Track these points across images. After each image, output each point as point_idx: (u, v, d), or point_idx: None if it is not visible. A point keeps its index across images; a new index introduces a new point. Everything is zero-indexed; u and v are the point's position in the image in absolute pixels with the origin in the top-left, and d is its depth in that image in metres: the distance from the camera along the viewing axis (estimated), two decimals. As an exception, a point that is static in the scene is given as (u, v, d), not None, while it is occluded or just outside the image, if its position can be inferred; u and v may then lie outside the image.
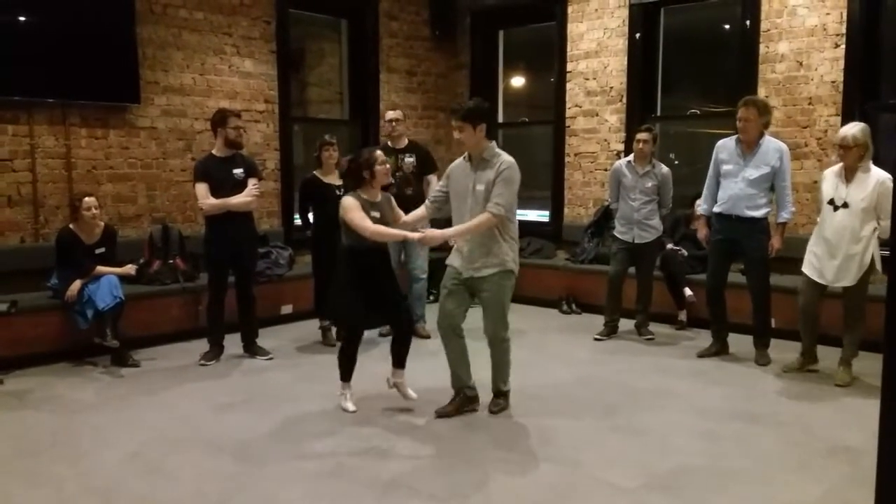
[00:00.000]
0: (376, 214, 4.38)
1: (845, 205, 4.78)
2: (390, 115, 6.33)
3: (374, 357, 5.44)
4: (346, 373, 4.54)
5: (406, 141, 6.36)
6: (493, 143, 4.30)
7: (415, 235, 4.32)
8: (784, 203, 5.35)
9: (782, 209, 5.37)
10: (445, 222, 4.56)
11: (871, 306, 4.81)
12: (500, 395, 4.51)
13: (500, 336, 4.36)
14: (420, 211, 4.60)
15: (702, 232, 5.81)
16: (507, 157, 4.24)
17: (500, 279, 4.27)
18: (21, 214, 6.00)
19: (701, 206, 5.78)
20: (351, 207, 4.30)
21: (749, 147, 5.36)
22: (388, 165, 4.46)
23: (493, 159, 4.21)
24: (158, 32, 6.63)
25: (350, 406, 4.50)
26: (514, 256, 4.32)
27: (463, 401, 4.47)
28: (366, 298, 4.38)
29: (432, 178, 6.22)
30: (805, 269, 5.06)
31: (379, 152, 4.47)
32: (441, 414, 4.42)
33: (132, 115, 6.53)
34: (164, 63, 6.69)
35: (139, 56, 6.46)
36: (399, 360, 4.59)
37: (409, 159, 6.21)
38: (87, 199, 5.46)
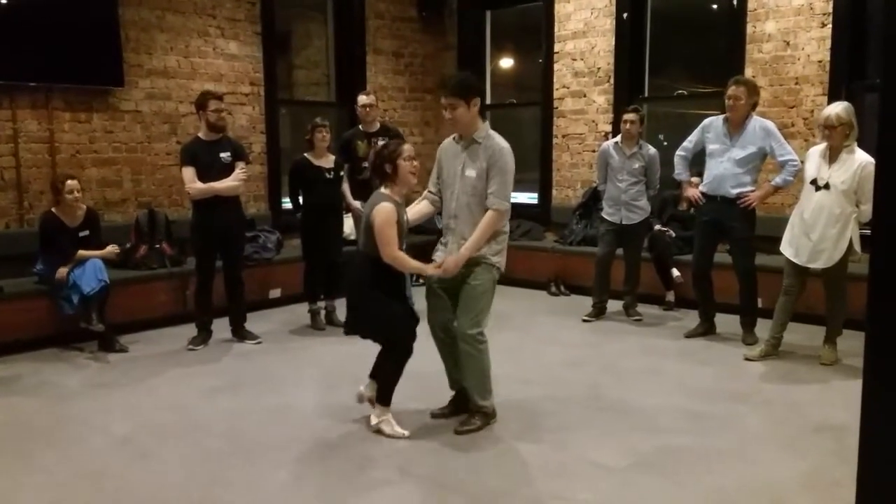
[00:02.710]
0: (405, 217, 3.88)
1: (827, 185, 4.79)
2: (363, 99, 6.30)
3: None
4: (390, 394, 3.93)
5: (378, 125, 6.34)
6: (487, 123, 3.90)
7: (435, 272, 3.82)
8: (783, 170, 5.33)
9: (779, 175, 5.35)
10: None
11: (854, 285, 4.84)
12: (477, 412, 3.99)
13: (474, 334, 3.85)
14: (424, 207, 4.09)
15: (690, 191, 5.69)
16: (500, 142, 3.84)
17: (480, 271, 3.85)
18: (5, 200, 5.95)
19: (681, 176, 5.77)
20: (388, 221, 3.68)
21: (736, 127, 5.37)
22: (416, 163, 3.82)
23: (485, 142, 3.81)
24: (141, 14, 6.55)
25: (401, 429, 3.89)
26: (500, 249, 3.94)
27: (460, 401, 4.16)
28: (404, 307, 3.94)
29: None
30: (782, 247, 5.07)
31: (407, 146, 3.85)
32: (437, 415, 4.16)
33: (116, 99, 6.47)
34: (148, 45, 6.62)
35: (122, 39, 6.39)
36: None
37: (382, 143, 6.20)
38: (69, 181, 5.41)
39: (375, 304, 3.80)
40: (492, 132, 3.90)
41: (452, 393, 4.23)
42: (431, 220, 4.11)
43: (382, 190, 3.81)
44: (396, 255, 3.70)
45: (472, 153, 3.84)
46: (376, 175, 3.88)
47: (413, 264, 3.84)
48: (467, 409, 4.07)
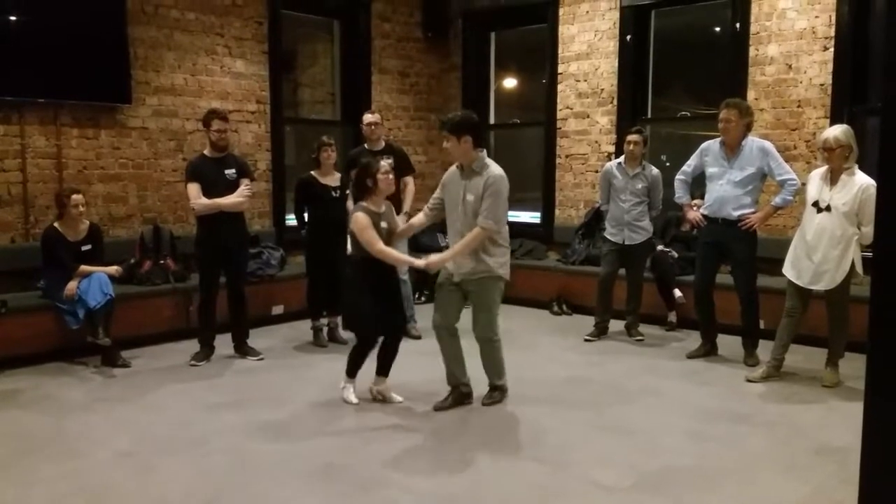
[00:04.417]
0: (384, 225, 4.52)
1: (828, 207, 4.81)
2: (368, 118, 6.34)
3: (371, 355, 5.44)
4: (354, 370, 4.67)
5: (383, 143, 6.37)
6: (483, 154, 4.40)
7: (420, 263, 4.41)
8: (782, 190, 5.34)
9: (779, 195, 5.37)
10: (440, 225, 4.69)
11: (856, 308, 4.84)
12: (495, 389, 4.66)
13: (488, 337, 4.51)
14: (420, 218, 4.74)
15: (691, 214, 5.70)
16: (495, 170, 4.36)
17: (489, 283, 4.42)
18: (11, 214, 5.98)
19: (681, 199, 5.79)
20: (364, 226, 4.37)
21: (732, 149, 5.41)
22: (391, 175, 4.52)
23: (482, 171, 4.34)
24: (150, 33, 6.62)
25: (353, 398, 4.63)
26: (504, 261, 4.45)
27: (458, 396, 4.61)
28: (378, 306, 4.49)
29: (409, 179, 6.27)
30: (784, 269, 5.09)
31: (384, 162, 4.55)
32: (438, 407, 4.55)
33: (123, 116, 6.52)
34: (156, 63, 6.68)
35: (131, 56, 6.45)
36: (384, 369, 4.70)
37: (388, 161, 6.23)
38: (74, 195, 5.46)
39: (354, 298, 4.52)
40: (488, 161, 4.41)
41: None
42: (435, 240, 4.55)
43: (362, 203, 4.48)
44: (382, 249, 4.37)
45: (472, 181, 4.37)
46: (359, 190, 4.54)
47: (399, 256, 4.54)
48: (463, 402, 4.61)
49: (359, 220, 4.40)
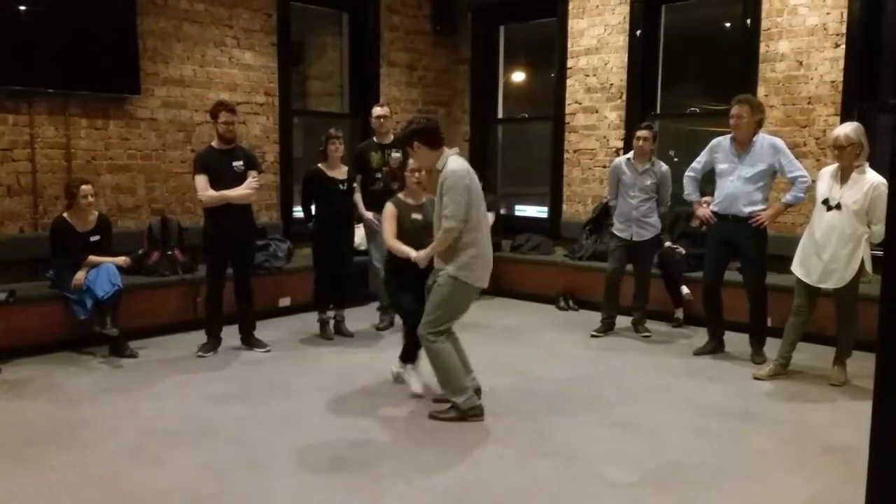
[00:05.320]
0: (418, 216, 4.72)
1: (838, 206, 4.79)
2: (378, 111, 6.34)
3: (377, 348, 5.46)
4: (408, 354, 4.78)
5: (392, 136, 6.36)
6: (447, 152, 4.25)
7: (412, 255, 4.44)
8: (793, 187, 5.32)
9: (789, 192, 5.34)
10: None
11: (864, 306, 4.83)
12: (448, 403, 4.36)
13: (423, 333, 4.26)
14: None
15: (700, 211, 5.67)
16: (449, 167, 4.18)
17: (444, 281, 4.22)
18: (20, 204, 6.00)
19: (691, 196, 5.76)
20: (386, 216, 4.70)
21: (743, 146, 5.38)
22: (417, 175, 4.71)
23: (442, 170, 4.23)
24: (159, 24, 6.63)
25: (418, 388, 4.68)
26: (464, 263, 4.17)
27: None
28: (407, 292, 4.63)
29: None
30: (793, 267, 5.07)
31: (410, 160, 4.68)
32: (438, 399, 4.50)
33: (132, 107, 6.53)
34: (165, 54, 6.69)
35: (140, 47, 6.46)
36: (408, 355, 4.81)
37: (396, 154, 6.21)
38: (83, 186, 5.47)
39: (390, 279, 4.80)
40: (450, 160, 4.23)
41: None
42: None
43: (398, 195, 4.80)
44: (389, 241, 4.61)
45: (439, 182, 4.26)
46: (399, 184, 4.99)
47: (401, 248, 4.54)
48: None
49: (385, 208, 4.74)
